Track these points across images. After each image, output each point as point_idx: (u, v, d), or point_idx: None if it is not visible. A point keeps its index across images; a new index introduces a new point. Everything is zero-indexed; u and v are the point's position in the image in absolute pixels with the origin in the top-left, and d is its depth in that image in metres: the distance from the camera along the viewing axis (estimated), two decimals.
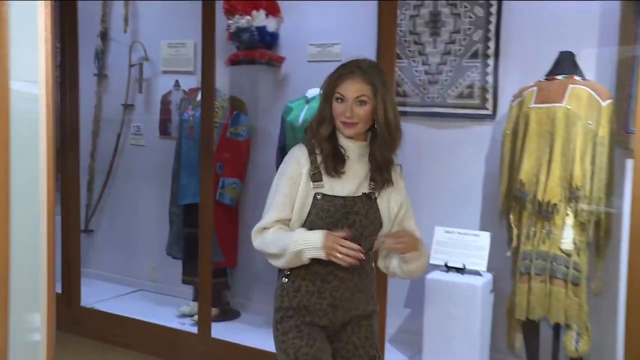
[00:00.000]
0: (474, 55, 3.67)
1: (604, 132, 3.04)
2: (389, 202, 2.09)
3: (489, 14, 3.62)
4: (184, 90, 4.53)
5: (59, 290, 4.35)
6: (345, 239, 1.93)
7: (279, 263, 2.04)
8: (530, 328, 3.26)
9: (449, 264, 3.47)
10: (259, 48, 4.12)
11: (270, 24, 4.14)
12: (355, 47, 3.83)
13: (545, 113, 3.12)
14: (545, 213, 3.09)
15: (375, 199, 2.06)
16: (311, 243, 1.95)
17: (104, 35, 4.89)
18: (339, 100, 2.01)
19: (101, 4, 4.91)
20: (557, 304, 3.06)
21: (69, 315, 4.17)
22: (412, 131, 3.77)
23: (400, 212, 2.13)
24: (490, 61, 3.62)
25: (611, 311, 3.30)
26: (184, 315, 4.30)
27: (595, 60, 3.33)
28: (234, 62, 4.17)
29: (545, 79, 3.23)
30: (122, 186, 5.03)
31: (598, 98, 3.06)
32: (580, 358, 3.15)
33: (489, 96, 3.65)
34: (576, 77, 3.15)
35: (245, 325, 4.24)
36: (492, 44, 3.62)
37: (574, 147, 3.04)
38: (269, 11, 4.12)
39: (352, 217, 2.01)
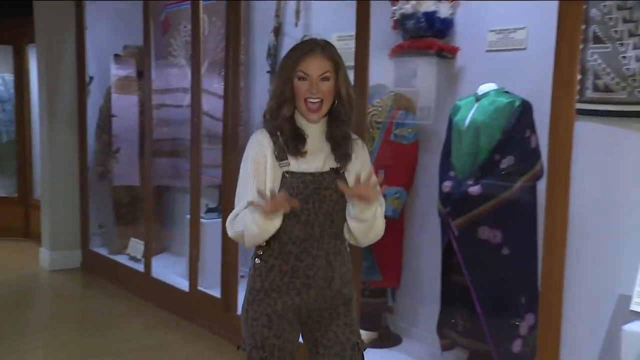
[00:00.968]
0: None
1: None
2: (352, 171, 2.06)
3: None
4: None
5: (217, 295, 4.25)
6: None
7: (253, 238, 1.99)
8: None
9: None
10: (427, 37, 3.54)
11: (443, 9, 3.52)
12: (541, 31, 3.11)
13: None
14: None
15: (343, 172, 2.06)
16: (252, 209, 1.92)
17: (277, 31, 4.66)
18: (302, 79, 2.00)
19: None
20: None
21: (228, 320, 4.07)
22: (613, 136, 2.93)
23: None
24: None
25: None
26: None
27: None
28: (398, 53, 3.64)
29: None
30: None
31: None
32: None
33: None
34: None
35: (403, 356, 3.72)
36: None
37: None
38: None
39: (323, 192, 2.02)
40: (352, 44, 4.15)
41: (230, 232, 2.06)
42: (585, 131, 2.91)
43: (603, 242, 2.99)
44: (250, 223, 1.94)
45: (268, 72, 4.77)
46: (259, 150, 2.04)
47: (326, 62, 1.99)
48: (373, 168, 2.19)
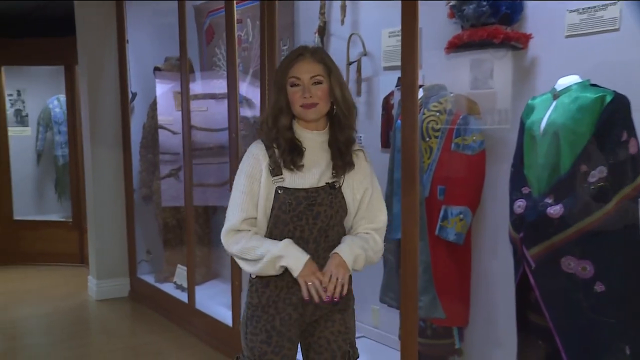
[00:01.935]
0: None
1: None
2: (353, 188, 2.08)
3: None
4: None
5: None
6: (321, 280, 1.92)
7: (253, 269, 2.01)
8: None
9: None
10: (492, 24, 2.92)
11: None
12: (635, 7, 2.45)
13: None
14: None
15: (339, 187, 2.05)
16: (295, 257, 1.95)
17: (322, 31, 4.14)
18: (295, 86, 2.00)
19: None
20: None
21: None
22: None
23: (365, 197, 2.11)
24: None
25: None
26: None
27: None
28: (455, 46, 3.03)
29: None
30: None
31: None
32: None
33: None
34: None
35: None
36: None
37: None
38: None
39: (316, 209, 2.01)
40: None
41: (233, 250, 2.03)
42: None
43: None
44: (268, 260, 1.96)
45: None
46: (254, 164, 2.02)
47: (317, 66, 2.00)
48: (375, 180, 2.16)
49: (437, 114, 3.17)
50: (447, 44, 3.05)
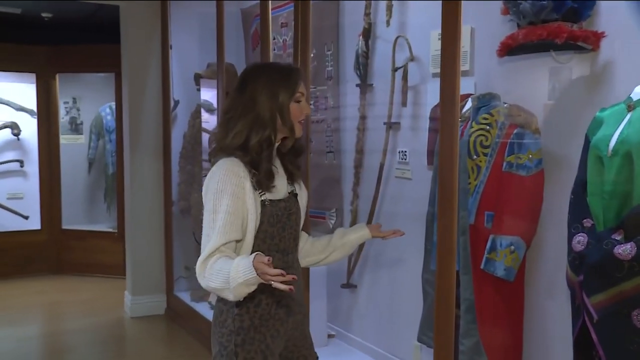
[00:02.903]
0: None
1: None
2: (301, 192, 2.11)
3: None
4: None
5: None
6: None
7: (230, 297, 1.78)
8: None
9: None
10: (554, 20, 2.44)
11: None
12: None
13: None
14: None
15: (296, 194, 2.08)
16: (246, 271, 1.70)
17: (367, 34, 3.74)
18: (298, 102, 1.98)
19: None
20: None
21: None
22: None
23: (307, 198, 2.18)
24: None
25: None
26: None
27: None
28: (510, 49, 2.57)
29: None
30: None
31: None
32: None
33: None
34: None
35: None
36: None
37: None
38: None
39: (293, 217, 2.03)
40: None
41: (203, 283, 1.83)
42: None
43: None
44: (234, 280, 1.72)
45: (357, 85, 3.85)
46: (237, 183, 1.89)
47: None
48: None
49: (487, 127, 2.71)
50: (500, 46, 2.59)
